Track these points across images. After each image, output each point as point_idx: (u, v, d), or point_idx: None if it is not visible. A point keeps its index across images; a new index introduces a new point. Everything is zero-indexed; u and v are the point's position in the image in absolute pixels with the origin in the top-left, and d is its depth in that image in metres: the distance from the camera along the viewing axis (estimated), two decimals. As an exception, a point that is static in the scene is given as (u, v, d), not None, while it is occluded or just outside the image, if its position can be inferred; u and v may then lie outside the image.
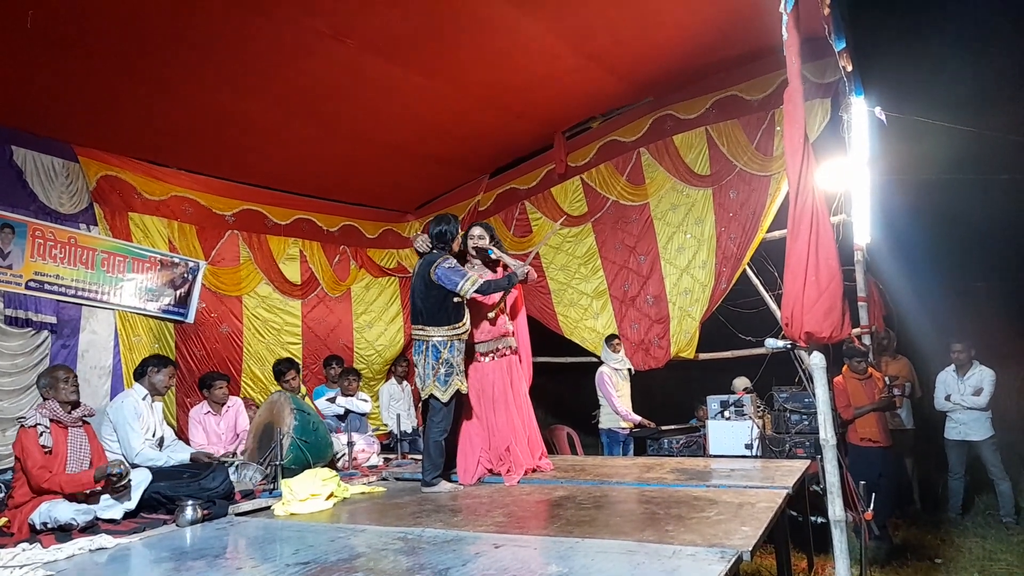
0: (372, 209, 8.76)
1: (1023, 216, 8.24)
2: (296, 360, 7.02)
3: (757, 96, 6.63)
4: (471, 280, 4.48)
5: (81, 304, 5.88)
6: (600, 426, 7.22)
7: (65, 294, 5.75)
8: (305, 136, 6.59)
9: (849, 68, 5.26)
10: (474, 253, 4.88)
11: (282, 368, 6.39)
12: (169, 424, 5.39)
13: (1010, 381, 8.06)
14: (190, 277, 6.69)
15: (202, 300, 6.82)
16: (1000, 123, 7.40)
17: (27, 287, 5.49)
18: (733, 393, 6.44)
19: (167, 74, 5.28)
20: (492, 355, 4.82)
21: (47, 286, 5.62)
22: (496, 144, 7.73)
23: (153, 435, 4.75)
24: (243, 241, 7.34)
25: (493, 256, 4.89)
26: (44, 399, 4.10)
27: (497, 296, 4.81)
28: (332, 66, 5.49)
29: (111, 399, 5.52)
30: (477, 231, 4.91)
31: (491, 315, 4.82)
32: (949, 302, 8.05)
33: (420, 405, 7.78)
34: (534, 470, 4.80)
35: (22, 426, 3.93)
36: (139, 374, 4.92)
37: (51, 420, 3.99)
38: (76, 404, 4.18)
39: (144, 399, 4.78)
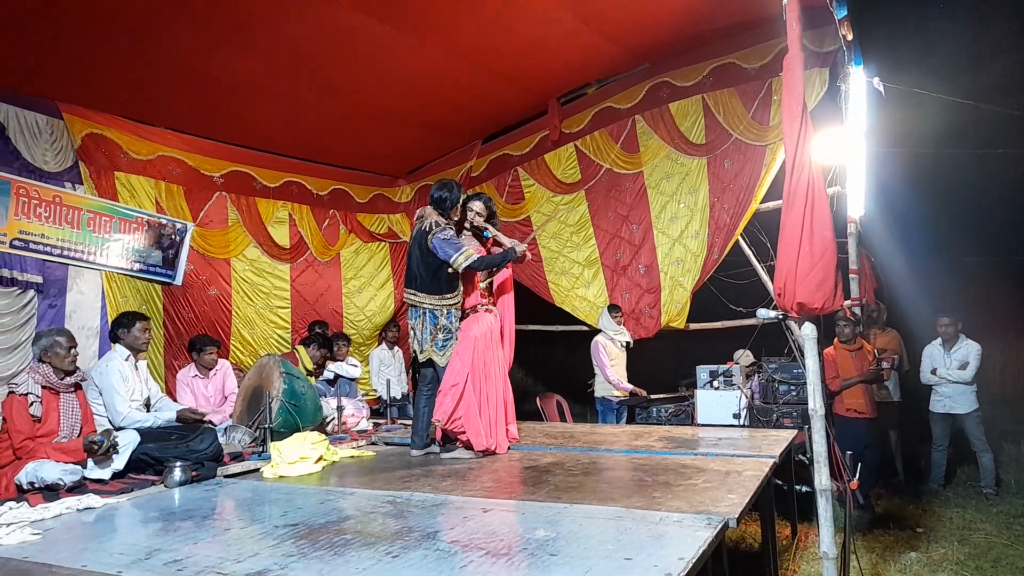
0: (363, 173, 8.64)
1: (1017, 191, 8.25)
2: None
3: (755, 64, 6.55)
4: (465, 254, 4.42)
5: (67, 264, 5.80)
6: (595, 394, 7.25)
7: (51, 253, 5.66)
8: (295, 97, 6.46)
9: (849, 37, 5.18)
10: (469, 228, 4.77)
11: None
12: (156, 383, 5.36)
13: (996, 355, 8.14)
14: (177, 239, 6.61)
15: (190, 262, 6.74)
16: (997, 96, 7.36)
17: (12, 246, 5.40)
18: (736, 364, 6.43)
19: (154, 31, 5.14)
20: (471, 312, 4.73)
21: (32, 245, 5.53)
22: (489, 109, 7.61)
23: (141, 396, 4.72)
24: (231, 203, 7.23)
25: (489, 236, 4.80)
26: (39, 361, 4.02)
27: (485, 273, 4.73)
28: (324, 25, 5.36)
29: (99, 360, 5.50)
30: (478, 206, 4.71)
31: (483, 285, 4.76)
32: (940, 276, 8.08)
33: (411, 371, 7.84)
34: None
35: (12, 392, 3.87)
36: (114, 338, 4.85)
37: (44, 387, 3.93)
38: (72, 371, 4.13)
39: (127, 360, 4.73)
